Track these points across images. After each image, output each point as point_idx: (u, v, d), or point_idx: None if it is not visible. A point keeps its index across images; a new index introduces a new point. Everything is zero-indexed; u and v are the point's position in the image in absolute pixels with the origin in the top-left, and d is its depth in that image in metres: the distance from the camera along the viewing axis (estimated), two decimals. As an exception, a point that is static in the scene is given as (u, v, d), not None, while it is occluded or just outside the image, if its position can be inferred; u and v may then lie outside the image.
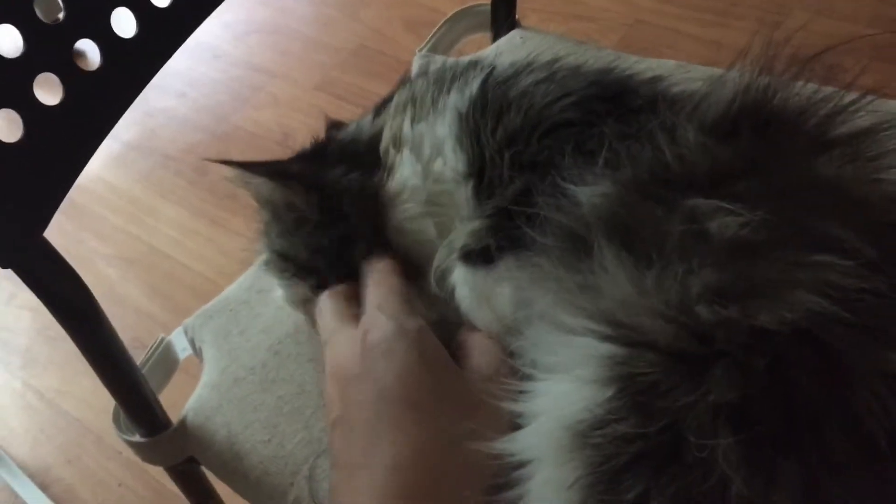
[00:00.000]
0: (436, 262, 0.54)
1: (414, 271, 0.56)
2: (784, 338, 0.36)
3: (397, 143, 0.57)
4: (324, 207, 0.56)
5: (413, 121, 0.57)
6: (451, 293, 0.53)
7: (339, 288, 0.56)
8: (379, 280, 0.54)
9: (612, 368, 0.39)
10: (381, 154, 0.58)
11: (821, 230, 0.39)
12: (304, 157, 0.61)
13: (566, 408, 0.39)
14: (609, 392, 0.38)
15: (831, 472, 0.36)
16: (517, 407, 0.42)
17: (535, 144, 0.51)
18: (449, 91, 0.57)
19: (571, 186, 0.46)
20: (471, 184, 0.53)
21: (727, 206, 0.40)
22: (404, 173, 0.56)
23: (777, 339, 0.36)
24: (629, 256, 0.41)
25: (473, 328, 0.52)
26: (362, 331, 0.51)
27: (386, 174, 0.57)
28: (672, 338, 0.38)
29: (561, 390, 0.40)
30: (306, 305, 0.60)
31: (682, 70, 0.74)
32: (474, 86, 0.56)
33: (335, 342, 0.52)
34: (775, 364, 0.36)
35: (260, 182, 0.57)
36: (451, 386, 0.49)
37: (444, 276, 0.54)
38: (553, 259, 0.45)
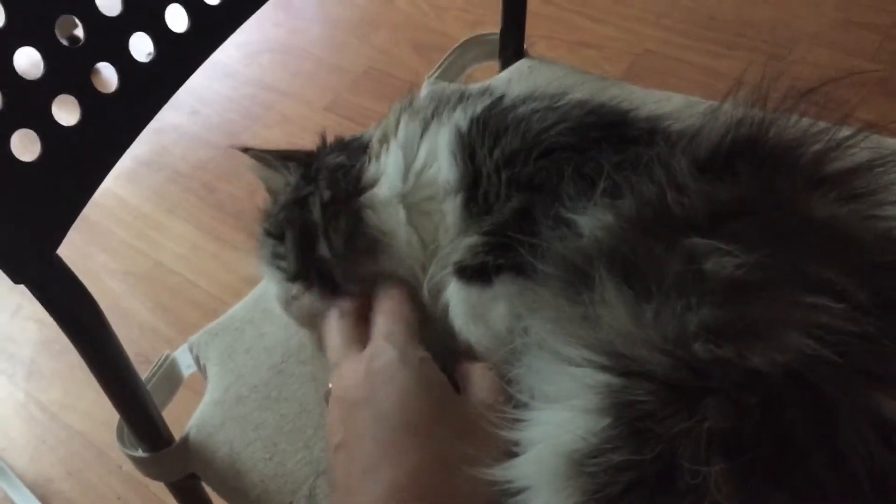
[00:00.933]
0: (428, 275, 0.55)
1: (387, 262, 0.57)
2: (776, 378, 0.37)
3: (386, 137, 0.60)
4: (303, 174, 0.60)
5: (408, 122, 0.60)
6: (445, 309, 0.54)
7: (348, 308, 0.57)
8: (390, 309, 0.55)
9: (608, 397, 0.39)
10: (370, 146, 0.61)
11: (814, 272, 0.40)
12: (310, 150, 0.65)
13: (563, 436, 0.40)
14: (605, 421, 0.39)
15: None
16: (515, 435, 0.43)
17: (531, 165, 0.52)
18: (455, 108, 0.59)
19: (572, 216, 0.48)
20: (459, 197, 0.54)
21: (723, 246, 0.41)
22: (388, 160, 0.58)
23: (769, 380, 0.37)
24: (629, 290, 0.42)
25: (473, 359, 0.53)
26: (368, 357, 0.52)
27: (368, 160, 0.60)
28: (669, 369, 0.39)
29: (558, 419, 0.41)
30: (292, 306, 0.61)
31: (689, 107, 0.75)
32: (478, 108, 0.58)
33: (342, 367, 0.53)
34: (767, 402, 0.37)
35: (266, 172, 0.61)
36: (450, 412, 0.49)
37: (437, 290, 0.55)
38: (554, 289, 0.46)
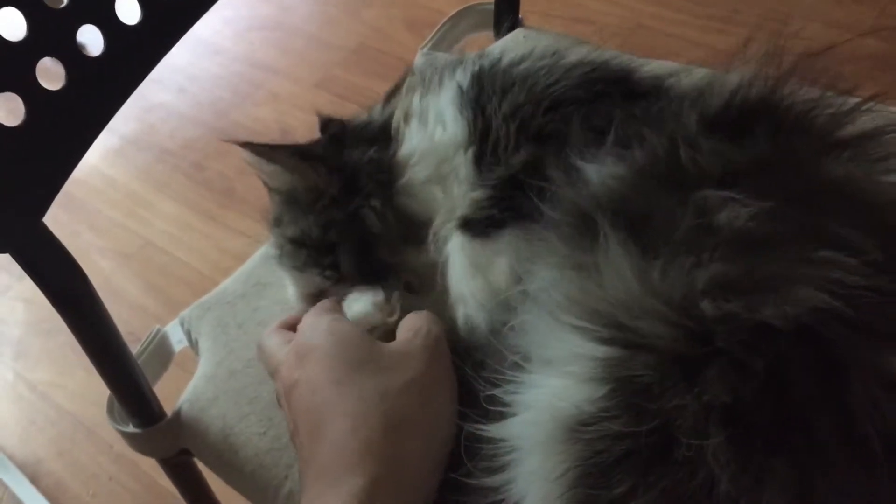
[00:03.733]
0: (433, 228, 0.55)
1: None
2: (784, 335, 0.37)
3: (407, 117, 0.59)
4: (344, 185, 0.57)
5: (421, 97, 0.59)
6: (445, 262, 0.54)
7: (278, 326, 0.58)
8: (311, 308, 0.56)
9: (607, 370, 0.39)
10: (393, 130, 0.59)
11: (828, 227, 0.39)
12: (321, 143, 0.62)
13: (559, 402, 0.40)
14: (602, 391, 0.39)
15: (824, 472, 0.36)
16: (509, 396, 0.43)
17: (540, 117, 0.52)
18: (454, 70, 0.60)
19: (582, 162, 0.47)
20: (471, 151, 0.54)
21: (737, 196, 0.41)
22: (413, 141, 0.58)
23: (777, 338, 0.37)
24: (635, 246, 0.41)
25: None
26: (289, 346, 0.53)
27: (397, 145, 0.58)
28: (671, 341, 0.38)
29: (555, 385, 0.41)
30: (317, 300, 0.60)
31: (685, 72, 0.74)
32: (477, 66, 0.59)
33: (278, 370, 0.54)
34: (773, 363, 0.36)
35: (274, 169, 0.58)
36: (368, 353, 0.50)
37: (439, 242, 0.55)
38: (560, 235, 0.45)
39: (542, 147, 0.51)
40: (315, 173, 0.57)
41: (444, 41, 0.90)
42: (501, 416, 0.43)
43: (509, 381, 0.43)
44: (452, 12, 0.91)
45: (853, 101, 0.47)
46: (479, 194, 0.52)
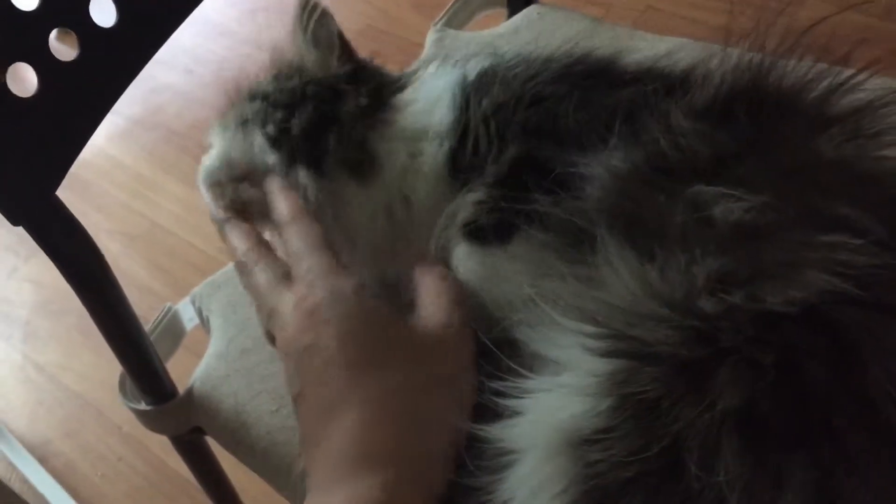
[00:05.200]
0: (436, 232, 0.51)
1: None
2: (793, 324, 0.35)
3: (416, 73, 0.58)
4: (350, 72, 0.56)
5: (436, 67, 0.58)
6: (455, 267, 0.51)
7: (267, 247, 0.52)
8: (299, 231, 0.50)
9: (612, 387, 0.37)
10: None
11: (828, 209, 0.38)
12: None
13: (558, 413, 0.38)
14: (604, 405, 0.37)
15: (845, 467, 0.34)
16: (511, 402, 0.41)
17: (521, 113, 0.50)
18: (468, 59, 0.57)
19: (581, 160, 0.45)
20: (446, 145, 0.52)
21: (730, 191, 0.39)
22: (419, 95, 0.56)
23: (785, 327, 0.35)
24: (632, 250, 0.40)
25: (424, 269, 0.50)
26: (299, 298, 0.48)
27: (407, 85, 0.57)
28: (676, 346, 0.36)
29: (554, 396, 0.39)
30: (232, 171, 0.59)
31: (683, 49, 0.73)
32: (486, 63, 0.56)
33: (279, 314, 0.49)
34: (784, 356, 0.35)
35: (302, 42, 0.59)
36: (395, 339, 0.47)
37: (444, 248, 0.51)
38: (557, 247, 0.44)
39: (528, 143, 0.49)
40: (330, 53, 0.57)
41: (455, 18, 0.89)
42: (501, 418, 0.41)
43: (510, 387, 0.41)
44: (457, -6, 0.90)
45: (844, 74, 0.45)
46: (478, 196, 0.49)
